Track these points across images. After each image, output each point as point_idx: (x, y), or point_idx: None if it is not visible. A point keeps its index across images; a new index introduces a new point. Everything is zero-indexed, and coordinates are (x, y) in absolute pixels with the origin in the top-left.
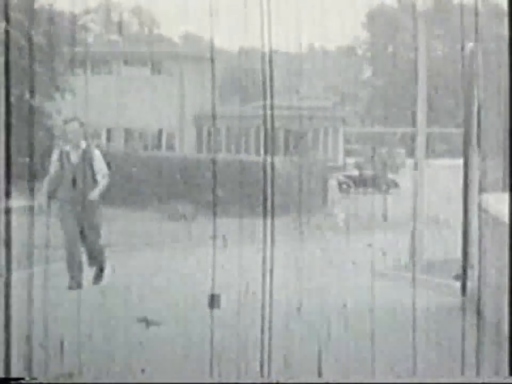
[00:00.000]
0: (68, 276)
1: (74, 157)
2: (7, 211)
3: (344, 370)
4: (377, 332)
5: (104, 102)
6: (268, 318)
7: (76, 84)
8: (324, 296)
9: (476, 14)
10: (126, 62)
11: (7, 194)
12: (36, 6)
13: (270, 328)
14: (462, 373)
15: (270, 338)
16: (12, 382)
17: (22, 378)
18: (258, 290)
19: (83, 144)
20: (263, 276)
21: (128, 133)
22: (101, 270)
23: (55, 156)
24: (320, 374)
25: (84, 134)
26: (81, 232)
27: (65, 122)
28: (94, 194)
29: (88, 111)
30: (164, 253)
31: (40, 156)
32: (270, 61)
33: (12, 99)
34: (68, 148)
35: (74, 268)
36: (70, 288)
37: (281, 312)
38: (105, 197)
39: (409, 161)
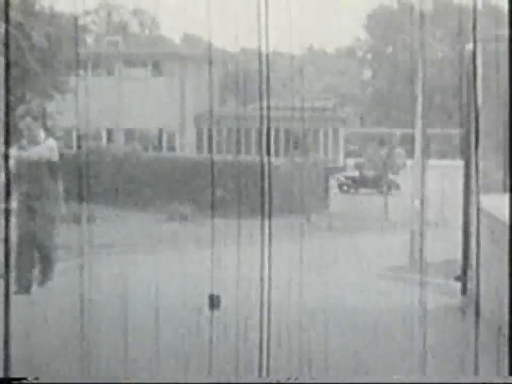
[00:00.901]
0: (15, 278)
1: (32, 151)
2: (7, 211)
3: (345, 370)
4: (378, 332)
5: (105, 103)
6: (266, 317)
7: (76, 84)
8: (323, 296)
9: (476, 15)
10: (126, 63)
11: (7, 195)
12: (37, 7)
13: (269, 328)
14: (462, 373)
15: (268, 338)
16: (14, 382)
17: (25, 378)
18: (258, 290)
19: (41, 137)
20: (262, 275)
21: (128, 133)
22: (47, 270)
23: (14, 150)
24: (323, 373)
25: (41, 126)
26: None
27: (18, 118)
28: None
29: (89, 112)
30: (163, 253)
31: None
32: (268, 62)
33: (13, 99)
34: (25, 142)
35: (23, 269)
36: (17, 293)
37: (281, 312)
38: (105, 196)
39: (410, 162)
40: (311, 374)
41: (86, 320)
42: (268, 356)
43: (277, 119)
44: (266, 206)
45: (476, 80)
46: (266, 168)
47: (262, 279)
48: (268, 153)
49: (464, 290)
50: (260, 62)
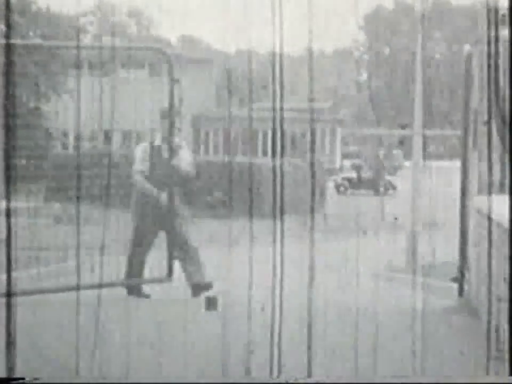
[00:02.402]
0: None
1: (165, 153)
2: (8, 212)
3: (345, 371)
4: (376, 334)
5: (101, 104)
6: (278, 318)
7: (73, 85)
8: (321, 297)
9: (475, 16)
10: (123, 64)
11: (8, 196)
12: (34, 8)
13: (280, 329)
14: (462, 373)
15: (279, 339)
16: (13, 382)
17: (23, 378)
18: (264, 291)
19: (175, 139)
20: (273, 275)
21: (125, 134)
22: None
23: (141, 150)
24: (325, 375)
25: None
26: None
27: (162, 115)
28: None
29: (85, 113)
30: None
31: (37, 156)
32: (277, 63)
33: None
34: (158, 142)
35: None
36: (144, 296)
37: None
38: (101, 197)
39: (407, 163)
40: (312, 374)
41: (87, 320)
42: (279, 355)
43: (273, 120)
44: (265, 207)
45: (474, 80)
46: (266, 169)
47: (274, 278)
48: (282, 154)
49: (460, 291)
50: (273, 64)
